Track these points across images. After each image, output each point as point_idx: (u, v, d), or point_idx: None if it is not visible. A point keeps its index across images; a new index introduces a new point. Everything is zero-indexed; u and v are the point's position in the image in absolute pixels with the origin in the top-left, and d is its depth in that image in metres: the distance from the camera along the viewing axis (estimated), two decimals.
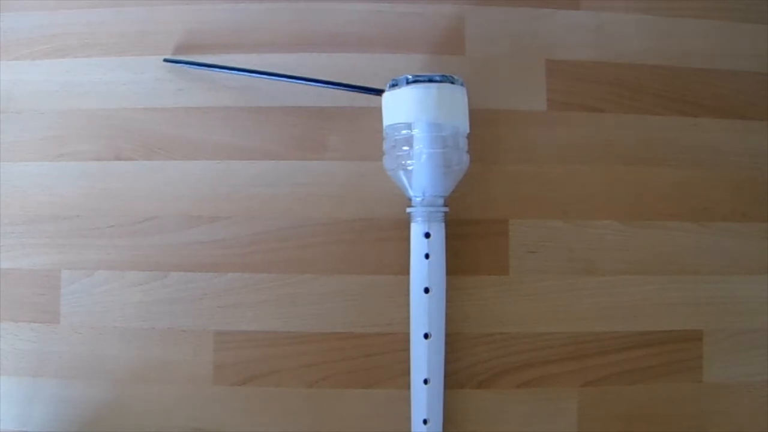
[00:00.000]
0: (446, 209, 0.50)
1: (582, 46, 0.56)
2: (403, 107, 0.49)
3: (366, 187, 0.54)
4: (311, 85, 0.53)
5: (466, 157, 0.50)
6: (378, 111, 0.51)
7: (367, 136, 0.54)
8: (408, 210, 0.51)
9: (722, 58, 0.56)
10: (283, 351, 0.53)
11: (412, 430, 0.51)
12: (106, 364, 0.54)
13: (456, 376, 0.53)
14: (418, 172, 0.49)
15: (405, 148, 0.49)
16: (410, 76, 0.49)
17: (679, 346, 0.54)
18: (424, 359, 0.50)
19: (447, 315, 0.51)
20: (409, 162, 0.49)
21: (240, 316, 0.54)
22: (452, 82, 0.49)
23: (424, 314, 0.50)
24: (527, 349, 0.53)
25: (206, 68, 0.54)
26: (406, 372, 0.51)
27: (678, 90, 0.56)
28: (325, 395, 0.53)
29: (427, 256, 0.50)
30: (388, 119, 0.50)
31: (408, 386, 0.51)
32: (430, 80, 0.49)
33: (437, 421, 0.50)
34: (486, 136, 0.54)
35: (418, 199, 0.50)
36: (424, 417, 0.50)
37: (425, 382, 0.50)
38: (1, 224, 0.55)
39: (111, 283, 0.54)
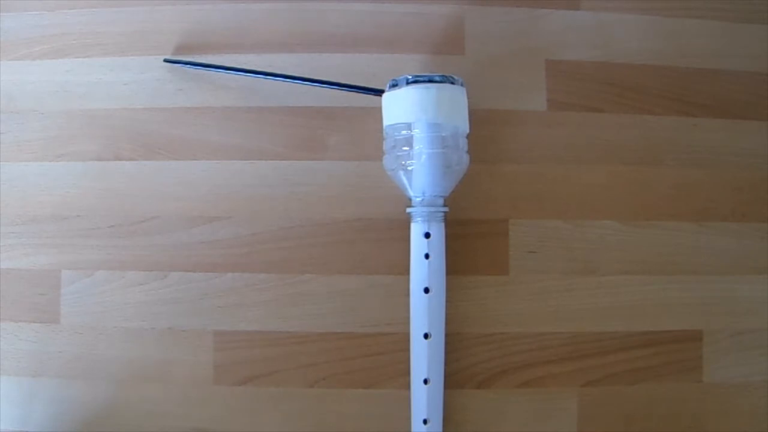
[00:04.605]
0: (446, 209, 0.50)
1: (582, 46, 0.56)
2: (403, 107, 0.49)
3: (366, 187, 0.54)
4: (311, 85, 0.53)
5: (466, 157, 0.50)
6: (378, 111, 0.51)
7: (367, 136, 0.54)
8: (408, 210, 0.51)
9: (722, 58, 0.56)
10: (283, 351, 0.53)
11: (412, 430, 0.51)
12: (106, 364, 0.54)
13: (456, 376, 0.53)
14: (418, 172, 0.49)
15: (405, 148, 0.49)
16: (410, 76, 0.49)
17: (679, 346, 0.54)
18: (424, 359, 0.50)
19: (447, 315, 0.51)
20: (409, 162, 0.49)
21: (240, 316, 0.54)
22: (452, 83, 0.49)
23: (424, 314, 0.50)
24: (527, 349, 0.53)
25: (206, 68, 0.54)
26: (406, 372, 0.51)
27: (678, 90, 0.56)
28: (325, 395, 0.53)
29: (427, 256, 0.50)
30: (388, 119, 0.50)
31: (408, 386, 0.51)
32: (430, 80, 0.49)
33: (437, 421, 0.50)
34: (486, 136, 0.54)
35: (418, 199, 0.50)
36: (424, 417, 0.50)
37: (425, 382, 0.50)
38: (1, 224, 0.55)
39: (111, 283, 0.54)
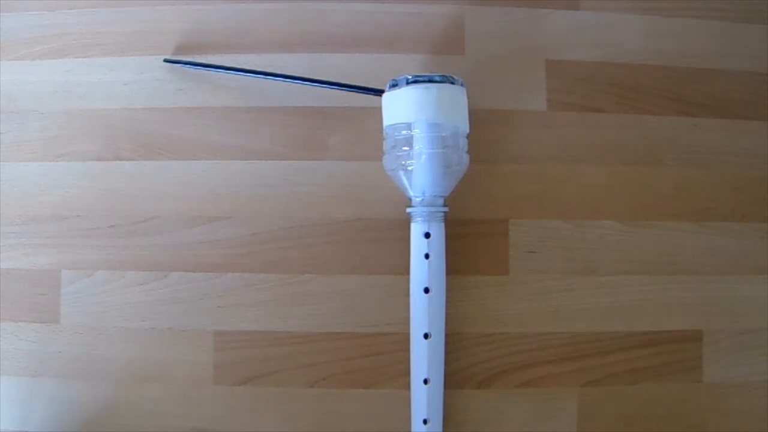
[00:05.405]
0: (446, 209, 0.50)
1: (582, 46, 0.56)
2: (403, 107, 0.49)
3: (366, 187, 0.54)
4: (311, 85, 0.53)
5: (466, 157, 0.50)
6: (378, 111, 0.51)
7: (367, 136, 0.54)
8: (408, 210, 0.50)
9: (722, 58, 0.56)
10: (283, 351, 0.53)
11: (412, 430, 0.51)
12: (106, 364, 0.54)
13: (456, 376, 0.53)
14: (418, 172, 0.49)
15: (405, 148, 0.49)
16: (410, 76, 0.49)
17: (679, 346, 0.54)
18: (424, 359, 0.50)
19: (447, 315, 0.51)
20: (409, 162, 0.49)
21: (240, 316, 0.54)
22: (452, 83, 0.49)
23: (424, 314, 0.50)
24: (527, 349, 0.53)
25: (206, 68, 0.54)
26: (406, 372, 0.51)
27: (678, 90, 0.56)
28: (325, 395, 0.53)
29: (427, 256, 0.50)
30: (388, 119, 0.50)
31: (408, 386, 0.51)
32: (430, 80, 0.49)
33: (437, 421, 0.50)
34: (486, 136, 0.54)
35: (418, 199, 0.50)
36: (424, 417, 0.50)
37: (425, 382, 0.50)
38: (1, 224, 0.55)
39: (111, 283, 0.54)
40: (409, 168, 0.49)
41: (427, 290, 0.50)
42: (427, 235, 0.50)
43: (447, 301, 0.51)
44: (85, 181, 0.55)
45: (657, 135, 0.55)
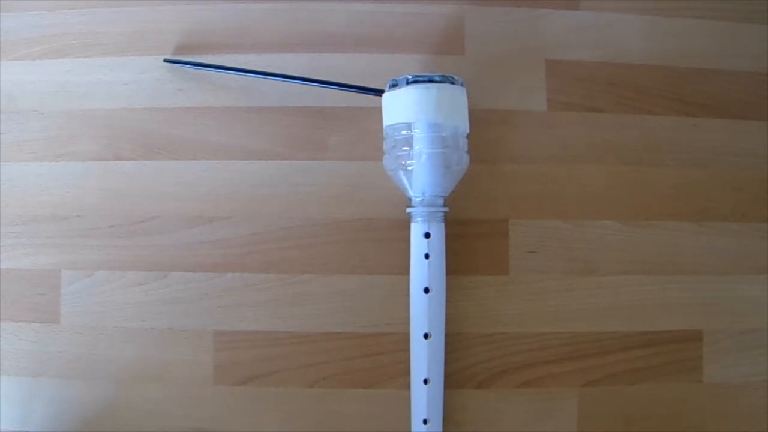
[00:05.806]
0: (446, 209, 0.50)
1: (582, 46, 0.56)
2: (403, 107, 0.49)
3: (366, 187, 0.54)
4: (311, 85, 0.53)
5: (466, 157, 0.50)
6: (378, 111, 0.51)
7: (367, 136, 0.54)
8: (408, 210, 0.50)
9: (722, 58, 0.56)
10: (283, 351, 0.53)
11: (412, 430, 0.51)
12: (106, 364, 0.54)
13: (456, 376, 0.53)
14: (418, 172, 0.49)
15: (405, 148, 0.49)
16: (410, 76, 0.49)
17: (679, 346, 0.54)
18: (424, 359, 0.50)
19: (447, 315, 0.51)
20: (409, 162, 0.49)
21: (240, 316, 0.54)
22: (452, 83, 0.49)
23: (424, 314, 0.50)
24: (527, 349, 0.53)
25: (206, 68, 0.54)
26: (406, 372, 0.51)
27: (678, 90, 0.56)
28: (325, 395, 0.53)
29: (427, 256, 0.50)
30: (388, 119, 0.50)
31: (408, 386, 0.51)
32: (430, 80, 0.49)
33: (437, 421, 0.50)
34: (486, 136, 0.54)
35: (418, 199, 0.50)
36: (424, 417, 0.50)
37: (425, 382, 0.50)
38: (1, 224, 0.55)
39: (111, 283, 0.54)
40: (409, 168, 0.49)
41: (427, 290, 0.50)
42: (427, 235, 0.50)
43: (447, 301, 0.51)
44: (85, 181, 0.55)
45: (657, 135, 0.55)
